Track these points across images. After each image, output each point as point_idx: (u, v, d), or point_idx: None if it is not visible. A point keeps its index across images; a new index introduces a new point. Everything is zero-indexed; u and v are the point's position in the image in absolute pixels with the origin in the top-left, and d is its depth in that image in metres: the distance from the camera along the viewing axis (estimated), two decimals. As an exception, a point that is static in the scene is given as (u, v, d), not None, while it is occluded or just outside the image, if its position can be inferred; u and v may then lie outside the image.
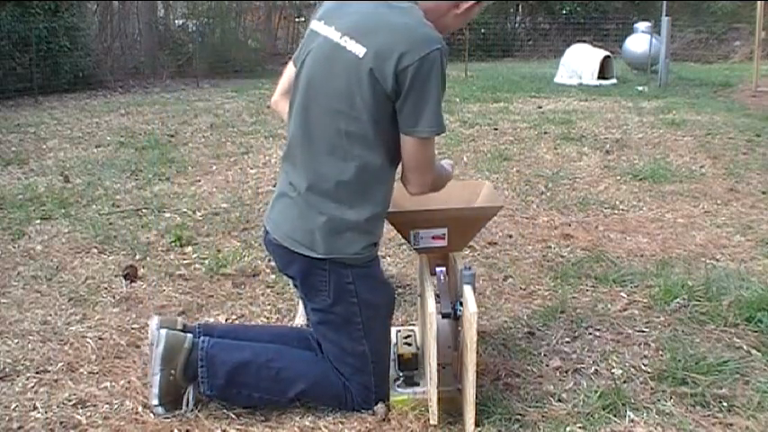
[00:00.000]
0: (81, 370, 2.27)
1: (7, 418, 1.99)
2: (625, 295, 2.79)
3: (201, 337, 1.98)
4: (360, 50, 1.76)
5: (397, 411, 1.98)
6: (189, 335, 1.97)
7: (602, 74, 10.62)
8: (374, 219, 1.89)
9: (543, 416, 1.95)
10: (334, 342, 1.96)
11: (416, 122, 1.78)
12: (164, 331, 1.94)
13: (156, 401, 1.96)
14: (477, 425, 1.86)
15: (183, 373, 1.95)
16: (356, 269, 1.89)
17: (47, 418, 1.99)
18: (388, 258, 3.25)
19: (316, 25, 1.90)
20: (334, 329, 1.95)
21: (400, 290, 2.90)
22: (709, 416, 1.95)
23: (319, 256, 1.86)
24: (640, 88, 9.70)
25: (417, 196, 1.95)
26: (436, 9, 1.88)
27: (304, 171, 1.87)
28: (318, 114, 1.84)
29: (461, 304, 1.92)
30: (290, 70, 2.04)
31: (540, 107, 8.26)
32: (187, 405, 1.98)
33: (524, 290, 2.88)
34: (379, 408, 1.97)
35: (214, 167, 5.34)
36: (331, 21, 1.86)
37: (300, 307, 2.50)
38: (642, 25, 11.85)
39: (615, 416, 1.95)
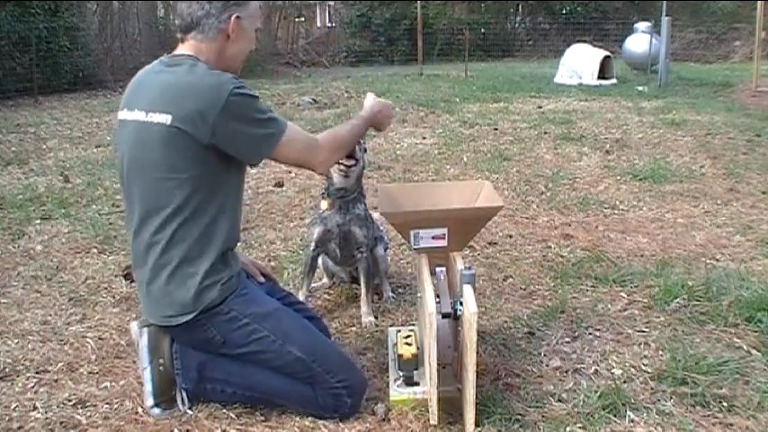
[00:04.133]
0: (81, 370, 2.27)
1: (7, 418, 2.00)
2: (625, 295, 2.79)
3: None
4: (165, 118, 1.83)
5: (397, 411, 1.98)
6: None
7: (602, 74, 10.61)
8: (225, 254, 1.92)
9: (543, 416, 1.95)
10: (270, 368, 1.95)
11: (259, 150, 1.89)
12: (145, 329, 1.99)
13: (151, 400, 1.97)
14: (477, 425, 1.86)
15: (170, 359, 1.98)
16: (228, 300, 1.90)
17: (47, 418, 2.00)
18: (387, 258, 3.25)
19: (122, 115, 1.95)
20: (255, 360, 1.95)
21: (400, 290, 2.90)
22: (709, 416, 1.95)
23: (193, 316, 1.88)
24: (640, 88, 9.69)
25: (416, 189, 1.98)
26: (212, 49, 1.93)
27: (151, 252, 1.89)
28: (147, 191, 1.88)
29: (461, 304, 1.92)
30: None
31: (540, 107, 8.25)
32: (183, 404, 1.99)
33: (524, 290, 2.88)
34: (379, 408, 1.98)
35: (214, 167, 5.32)
36: (132, 105, 1.92)
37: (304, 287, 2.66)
38: (642, 25, 11.84)
39: (615, 416, 1.95)
